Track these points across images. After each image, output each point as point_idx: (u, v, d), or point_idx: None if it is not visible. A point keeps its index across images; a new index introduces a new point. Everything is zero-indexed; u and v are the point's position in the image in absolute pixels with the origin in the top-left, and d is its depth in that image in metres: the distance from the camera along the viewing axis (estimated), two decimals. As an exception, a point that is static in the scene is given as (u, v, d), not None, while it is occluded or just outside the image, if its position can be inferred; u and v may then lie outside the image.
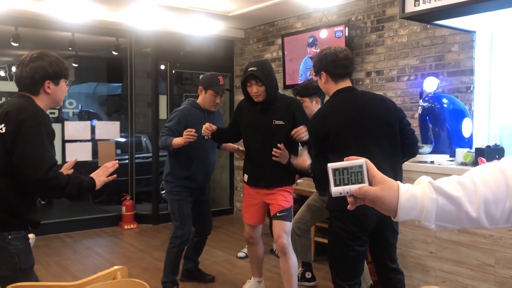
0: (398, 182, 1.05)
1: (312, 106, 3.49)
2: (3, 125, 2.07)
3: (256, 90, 3.17)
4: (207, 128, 3.34)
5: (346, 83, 2.63)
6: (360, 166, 1.04)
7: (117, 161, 2.32)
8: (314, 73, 2.75)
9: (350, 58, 2.66)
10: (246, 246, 4.65)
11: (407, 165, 3.37)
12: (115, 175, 2.31)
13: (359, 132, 2.54)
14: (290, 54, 5.64)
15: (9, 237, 2.08)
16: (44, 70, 2.17)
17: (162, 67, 6.44)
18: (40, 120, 2.09)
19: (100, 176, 2.25)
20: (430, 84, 3.82)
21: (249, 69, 3.18)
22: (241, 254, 4.93)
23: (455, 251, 3.12)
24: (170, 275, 3.69)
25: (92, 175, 2.25)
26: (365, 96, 2.72)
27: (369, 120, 2.55)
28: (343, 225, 2.52)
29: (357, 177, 1.04)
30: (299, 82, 5.21)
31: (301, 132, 3.03)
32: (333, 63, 2.58)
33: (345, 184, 1.04)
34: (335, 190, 1.05)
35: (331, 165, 1.05)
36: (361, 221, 2.51)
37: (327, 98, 2.75)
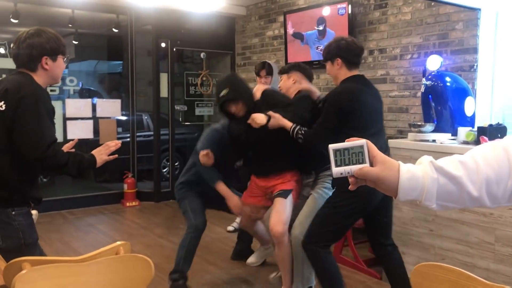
0: (399, 162, 1.05)
1: (289, 82, 3.31)
2: (2, 102, 2.07)
3: (235, 110, 3.17)
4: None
5: (357, 71, 2.90)
6: (361, 147, 1.04)
7: (120, 141, 2.32)
8: (324, 59, 2.92)
9: (363, 50, 2.94)
10: (236, 220, 4.72)
11: (409, 143, 3.38)
12: (117, 155, 2.31)
13: (378, 114, 2.89)
14: (292, 31, 5.59)
15: (13, 213, 2.10)
16: (41, 46, 2.15)
17: (163, 44, 6.39)
18: (39, 98, 2.08)
19: (101, 154, 2.25)
20: (433, 63, 3.79)
21: (220, 95, 3.14)
22: (230, 228, 5.01)
23: (455, 229, 3.14)
24: (180, 264, 3.42)
25: (93, 152, 2.25)
26: (373, 84, 3.02)
27: (381, 105, 2.95)
28: (352, 200, 2.69)
29: (358, 157, 1.04)
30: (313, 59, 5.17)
31: (254, 118, 2.94)
32: (351, 52, 2.83)
33: (346, 165, 1.05)
34: (336, 170, 1.05)
35: (332, 146, 1.05)
36: (370, 197, 2.70)
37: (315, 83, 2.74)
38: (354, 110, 2.72)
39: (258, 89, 3.39)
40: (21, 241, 2.11)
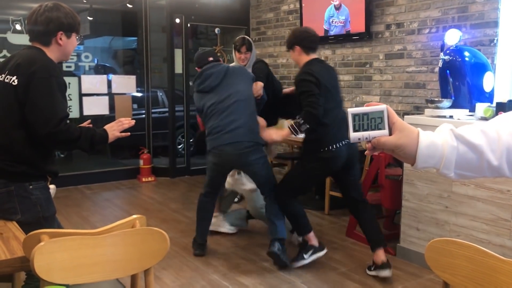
0: (418, 129, 1.03)
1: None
2: (15, 77, 2.07)
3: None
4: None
5: (315, 55, 3.43)
6: (381, 112, 1.01)
7: (134, 120, 2.31)
8: (287, 48, 3.51)
9: (318, 36, 3.50)
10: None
11: (425, 120, 3.33)
12: (129, 133, 2.31)
13: (336, 90, 3.41)
14: (309, 5, 5.50)
15: (30, 187, 2.13)
16: (59, 20, 2.15)
17: (177, 20, 6.35)
18: (51, 72, 2.07)
19: (114, 130, 2.25)
20: (452, 37, 3.70)
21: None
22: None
23: (471, 206, 3.12)
24: (197, 231, 3.73)
25: (106, 127, 2.25)
26: (329, 64, 3.65)
27: (337, 82, 3.49)
28: (318, 164, 3.33)
29: (377, 123, 1.02)
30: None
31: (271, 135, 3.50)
32: (307, 39, 3.38)
33: (364, 130, 1.02)
34: (354, 135, 1.02)
35: (351, 110, 1.02)
36: (332, 163, 3.32)
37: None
38: (318, 83, 3.20)
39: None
40: (39, 214, 2.14)
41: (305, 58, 3.39)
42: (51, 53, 2.18)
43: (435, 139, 1.01)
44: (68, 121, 2.10)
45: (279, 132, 3.50)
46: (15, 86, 2.06)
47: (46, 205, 2.18)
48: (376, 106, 1.02)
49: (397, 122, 1.02)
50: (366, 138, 1.02)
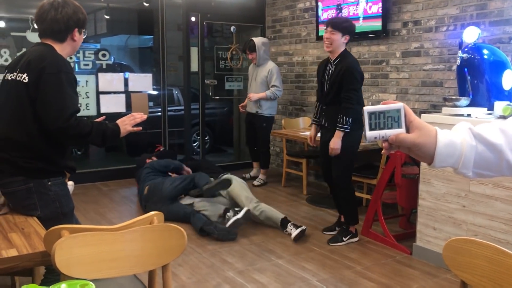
0: (436, 128, 1.02)
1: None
2: (25, 74, 2.08)
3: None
4: None
5: None
6: (398, 111, 1.00)
7: (146, 115, 2.32)
8: (337, 28, 3.68)
9: None
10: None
11: (443, 118, 3.30)
12: (141, 128, 2.30)
13: None
14: (325, 2, 5.48)
15: (49, 183, 2.16)
16: (76, 16, 2.18)
17: (193, 18, 6.37)
18: (61, 68, 2.08)
19: (126, 125, 2.24)
20: (470, 34, 3.66)
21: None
22: (256, 183, 5.75)
23: (489, 205, 3.08)
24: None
25: (118, 122, 2.24)
26: None
27: None
28: (355, 142, 3.85)
29: (394, 121, 1.00)
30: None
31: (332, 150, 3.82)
32: (354, 34, 3.81)
33: (381, 129, 1.00)
34: (370, 134, 1.00)
35: (367, 108, 1.00)
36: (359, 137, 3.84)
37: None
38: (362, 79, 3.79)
39: None
40: (58, 210, 2.18)
41: (343, 48, 3.73)
42: (63, 49, 2.19)
43: (453, 138, 1.00)
44: (79, 116, 2.11)
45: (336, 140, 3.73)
46: (26, 83, 2.08)
47: (64, 201, 2.21)
48: (392, 104, 1.00)
49: (415, 120, 1.00)
50: (383, 136, 1.01)
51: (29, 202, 2.14)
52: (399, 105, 1.00)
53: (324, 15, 5.50)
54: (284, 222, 4.07)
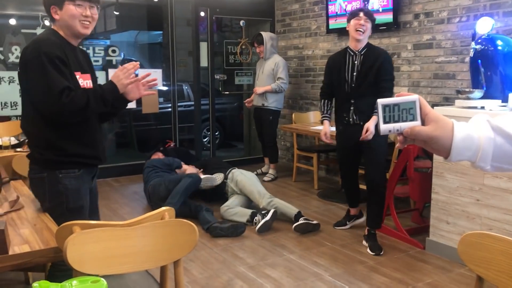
0: (453, 120, 0.99)
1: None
2: (19, 66, 2.08)
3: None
4: None
5: None
6: (413, 103, 0.97)
7: (137, 63, 2.13)
8: (371, 20, 3.61)
9: None
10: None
11: (456, 111, 3.26)
12: (138, 77, 2.13)
13: None
14: (334, -4, 5.43)
15: (60, 175, 2.09)
16: None
17: (202, 13, 6.35)
18: (40, 48, 1.99)
19: (121, 79, 2.07)
20: (484, 25, 3.60)
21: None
22: (266, 179, 5.75)
23: (504, 199, 3.04)
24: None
25: (112, 78, 2.09)
26: None
27: None
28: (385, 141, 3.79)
29: (409, 114, 0.97)
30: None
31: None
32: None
33: (395, 122, 0.97)
34: (384, 127, 0.98)
35: (381, 101, 0.98)
36: None
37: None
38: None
39: None
40: (63, 205, 2.10)
41: (367, 38, 3.69)
42: (58, 29, 2.11)
43: (470, 131, 0.97)
44: (71, 91, 1.98)
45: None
46: (19, 73, 2.08)
47: (72, 197, 2.11)
48: (407, 97, 0.97)
49: (430, 113, 0.97)
50: (398, 130, 0.98)
51: (40, 191, 2.13)
52: (414, 97, 0.97)
53: (331, 8, 5.45)
54: (298, 217, 4.06)
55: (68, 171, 2.11)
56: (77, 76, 2.10)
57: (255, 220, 4.02)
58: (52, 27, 2.14)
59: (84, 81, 2.15)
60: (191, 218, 4.01)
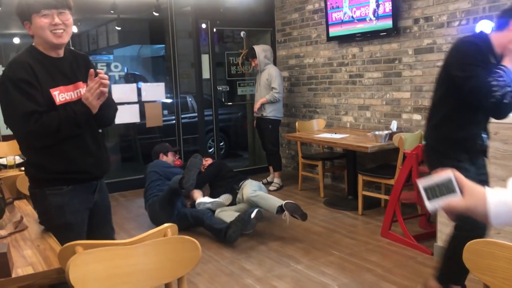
0: (486, 188, 1.09)
1: None
2: None
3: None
4: None
5: None
6: (449, 180, 1.10)
7: (105, 75, 2.02)
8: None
9: None
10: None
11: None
12: (105, 89, 2.01)
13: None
14: (333, 2, 5.44)
15: (47, 192, 2.06)
16: (17, 15, 2.04)
17: (203, 25, 6.39)
18: (5, 73, 1.96)
19: (90, 101, 1.98)
20: (483, 28, 3.59)
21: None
22: (272, 188, 5.75)
23: None
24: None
25: (82, 99, 1.99)
26: None
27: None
28: None
29: (448, 189, 1.10)
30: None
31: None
32: None
33: (437, 197, 1.11)
34: (429, 204, 1.12)
35: (421, 184, 1.12)
36: None
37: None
38: None
39: None
40: (50, 222, 2.09)
41: None
42: (38, 45, 2.05)
43: (503, 197, 1.07)
44: (40, 114, 1.92)
45: None
46: None
47: (55, 214, 2.06)
48: (443, 176, 1.11)
49: (466, 185, 1.09)
50: (440, 205, 1.12)
51: (34, 206, 2.19)
52: (449, 175, 1.11)
53: (334, 16, 5.46)
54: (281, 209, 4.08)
55: (54, 188, 2.06)
56: (57, 92, 2.01)
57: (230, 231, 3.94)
58: (33, 43, 2.08)
59: (67, 94, 2.04)
60: (195, 226, 4.05)
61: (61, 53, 2.10)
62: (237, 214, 4.11)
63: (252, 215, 3.91)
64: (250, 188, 4.37)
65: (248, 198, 4.26)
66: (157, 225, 4.17)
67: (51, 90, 2.00)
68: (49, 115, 1.94)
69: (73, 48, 2.24)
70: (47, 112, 1.95)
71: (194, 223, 4.13)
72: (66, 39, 2.05)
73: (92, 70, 2.02)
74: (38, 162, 2.06)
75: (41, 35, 2.00)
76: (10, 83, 1.92)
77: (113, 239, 2.34)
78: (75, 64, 2.14)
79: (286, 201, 4.06)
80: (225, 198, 4.59)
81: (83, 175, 2.13)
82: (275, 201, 4.12)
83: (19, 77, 1.93)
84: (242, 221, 3.91)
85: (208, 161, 5.14)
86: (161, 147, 5.20)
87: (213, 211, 4.33)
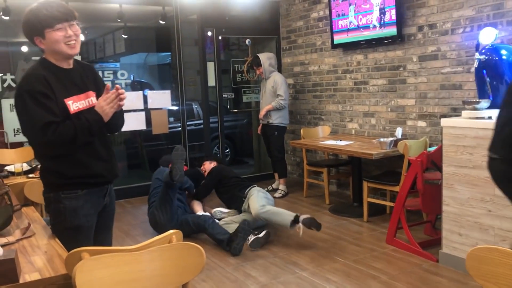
0: None
1: None
2: None
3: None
4: None
5: None
6: None
7: (123, 91, 2.11)
8: None
9: None
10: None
11: (463, 122, 3.25)
12: (123, 102, 2.11)
13: None
14: (338, 10, 5.47)
15: (62, 195, 2.13)
16: (24, 31, 2.10)
17: (209, 33, 6.44)
18: (22, 86, 2.03)
19: (105, 110, 2.07)
20: (487, 35, 3.60)
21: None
22: (277, 195, 5.77)
23: (516, 209, 3.01)
24: None
25: (96, 108, 2.09)
26: None
27: None
28: None
29: None
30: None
31: None
32: None
33: None
34: None
35: None
36: None
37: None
38: None
39: None
40: (62, 224, 2.14)
41: None
42: (49, 57, 2.12)
43: None
44: (56, 124, 1.99)
45: None
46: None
47: (69, 216, 2.14)
48: None
49: None
50: None
51: (49, 210, 2.20)
52: None
53: (340, 23, 5.49)
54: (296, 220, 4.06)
55: (70, 191, 2.14)
56: (70, 102, 2.08)
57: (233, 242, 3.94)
58: (43, 55, 2.14)
59: (79, 103, 2.12)
60: (197, 233, 4.07)
61: (71, 63, 2.18)
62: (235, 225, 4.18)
63: (261, 235, 4.01)
64: (258, 204, 4.25)
65: (257, 215, 4.18)
66: (158, 230, 4.25)
67: (65, 100, 2.08)
68: (65, 125, 2.02)
69: (78, 59, 2.29)
70: (63, 122, 2.02)
71: (197, 230, 4.14)
72: (78, 49, 2.13)
73: (108, 84, 2.13)
74: (54, 168, 2.13)
75: (56, 48, 2.07)
76: (27, 96, 2.00)
77: (111, 243, 2.43)
78: (84, 74, 2.23)
79: (302, 216, 4.00)
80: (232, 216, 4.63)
81: (98, 179, 2.22)
82: (287, 215, 4.06)
83: (36, 89, 2.00)
84: (243, 230, 3.95)
85: (212, 164, 5.15)
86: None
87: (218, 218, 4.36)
